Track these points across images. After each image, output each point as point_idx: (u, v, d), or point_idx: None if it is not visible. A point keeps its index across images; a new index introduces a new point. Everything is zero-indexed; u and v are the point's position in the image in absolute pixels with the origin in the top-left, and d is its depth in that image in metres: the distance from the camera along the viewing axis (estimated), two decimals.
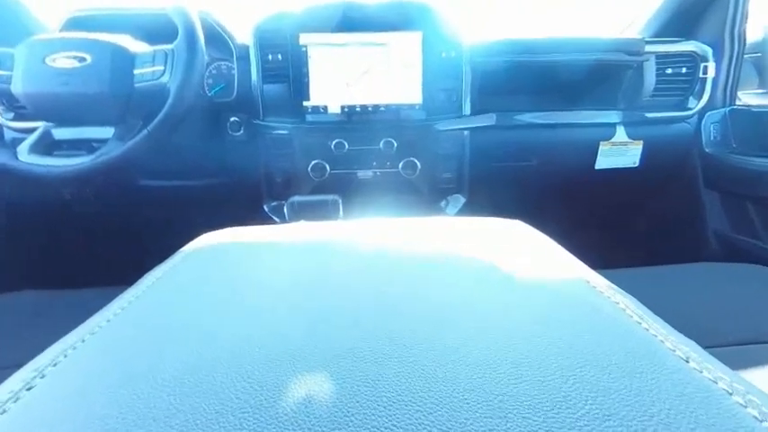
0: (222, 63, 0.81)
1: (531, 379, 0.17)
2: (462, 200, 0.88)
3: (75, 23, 0.80)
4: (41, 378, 0.18)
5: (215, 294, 0.25)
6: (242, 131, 0.82)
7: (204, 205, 0.91)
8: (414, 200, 0.87)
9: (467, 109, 0.84)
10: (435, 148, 0.84)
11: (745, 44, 0.89)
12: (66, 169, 0.60)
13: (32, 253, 0.93)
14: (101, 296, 0.28)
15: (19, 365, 0.19)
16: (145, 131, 0.60)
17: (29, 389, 0.17)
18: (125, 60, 0.61)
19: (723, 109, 0.91)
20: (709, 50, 0.88)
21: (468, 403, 0.15)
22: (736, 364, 0.49)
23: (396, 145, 0.81)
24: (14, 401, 0.17)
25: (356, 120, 0.81)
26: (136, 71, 0.61)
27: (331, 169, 0.82)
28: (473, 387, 0.16)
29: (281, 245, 0.34)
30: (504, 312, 0.22)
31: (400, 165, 0.83)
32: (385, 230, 0.36)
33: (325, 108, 0.80)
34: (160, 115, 0.60)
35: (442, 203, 0.88)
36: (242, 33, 0.82)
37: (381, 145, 0.81)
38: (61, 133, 0.68)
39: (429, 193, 0.87)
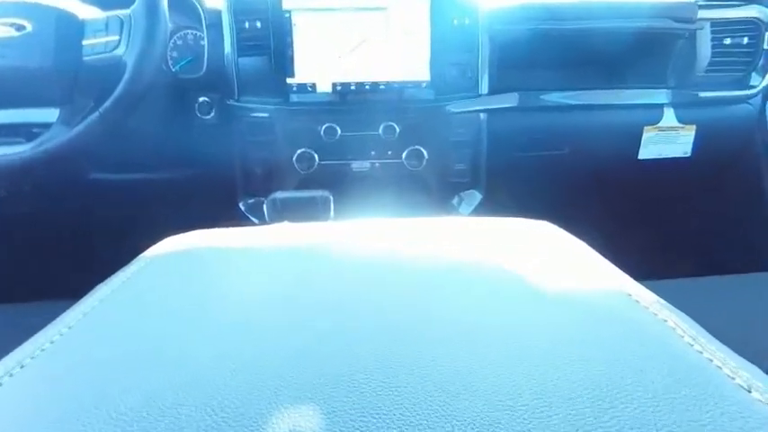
0: (189, 32, 0.81)
1: (561, 413, 0.17)
2: (478, 196, 0.88)
3: None
4: None
5: (180, 310, 0.25)
6: (213, 114, 0.82)
7: (168, 203, 0.91)
8: (420, 197, 0.87)
9: (484, 87, 0.84)
10: (446, 133, 0.84)
11: None
12: (0, 160, 0.60)
13: None
14: (44, 312, 0.28)
15: None
16: (96, 114, 0.60)
17: None
18: (72, 28, 0.61)
19: None
20: None
21: None
22: None
23: (398, 130, 0.81)
24: None
25: (350, 100, 0.81)
26: (85, 42, 0.61)
27: (320, 160, 0.82)
28: (490, 422, 0.16)
29: (261, 250, 0.34)
30: (528, 333, 0.22)
31: (404, 154, 0.83)
32: (385, 233, 0.36)
33: (314, 86, 0.80)
34: (115, 94, 0.60)
35: (454, 201, 0.88)
36: None
37: (381, 130, 0.81)
38: None
39: (438, 189, 0.87)
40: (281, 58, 0.79)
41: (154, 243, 0.37)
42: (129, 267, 0.32)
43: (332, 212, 0.74)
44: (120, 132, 0.63)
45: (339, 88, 0.80)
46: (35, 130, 0.69)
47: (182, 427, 0.16)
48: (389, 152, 0.83)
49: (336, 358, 0.20)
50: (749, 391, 0.18)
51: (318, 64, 0.79)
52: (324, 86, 0.80)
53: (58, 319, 0.26)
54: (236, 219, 0.85)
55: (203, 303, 0.26)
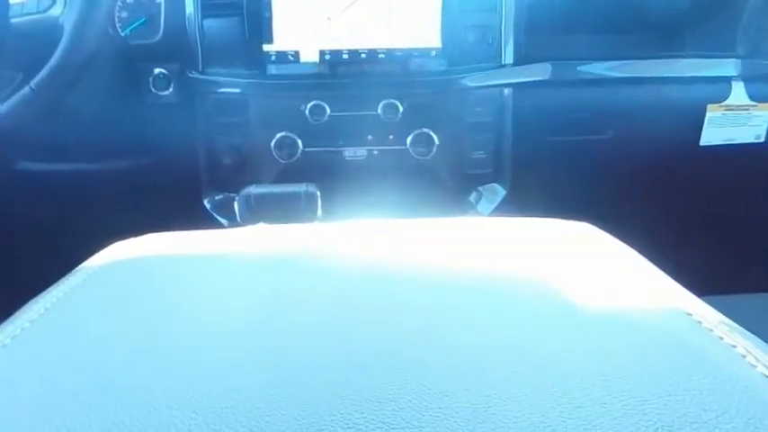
0: None
1: None
2: (502, 192, 0.88)
3: None
4: None
5: (128, 333, 0.25)
6: (171, 90, 0.82)
7: (115, 200, 0.91)
8: (429, 192, 0.87)
9: (508, 56, 0.84)
10: (462, 113, 0.84)
11: None
12: None
13: None
14: None
15: None
16: (27, 89, 0.60)
17: None
18: None
19: None
20: None
21: None
22: None
23: (402, 110, 0.81)
24: None
25: (343, 72, 0.81)
26: (13, 1, 0.61)
27: (305, 146, 0.82)
28: None
29: (229, 259, 0.34)
30: (566, 360, 0.22)
31: (409, 139, 0.83)
32: (385, 238, 0.36)
33: (297, 54, 0.80)
34: (49, 65, 0.60)
35: (472, 197, 0.88)
36: None
37: (380, 110, 0.81)
38: None
39: (452, 182, 0.88)
40: (257, 20, 0.79)
41: (97, 250, 0.37)
42: (65, 280, 0.32)
43: (319, 211, 0.74)
44: (56, 112, 0.63)
45: (328, 57, 0.80)
46: None
47: None
48: (391, 137, 0.84)
49: (322, 395, 0.20)
50: None
51: (302, 27, 0.79)
52: (309, 55, 0.80)
53: None
54: (200, 219, 0.85)
55: (156, 325, 0.26)
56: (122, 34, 0.80)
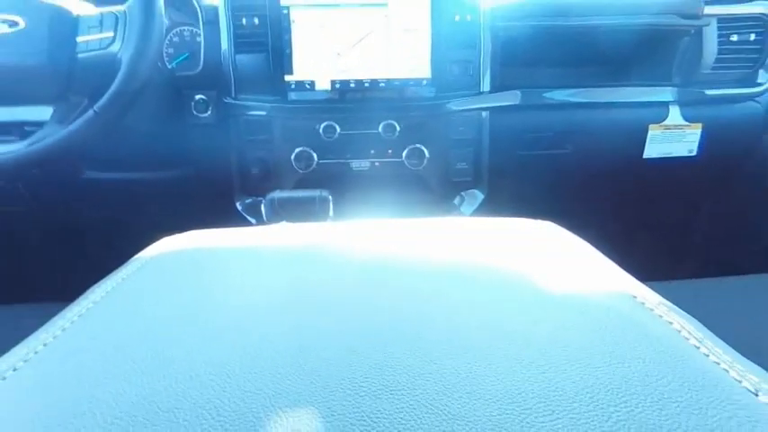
0: (185, 28, 0.81)
1: (564, 417, 0.17)
2: (480, 196, 0.88)
3: None
4: None
5: (175, 313, 0.25)
6: (209, 112, 0.82)
7: (164, 203, 0.91)
8: (421, 196, 0.87)
9: (486, 85, 0.84)
10: (447, 132, 0.84)
11: None
12: None
13: None
14: (35, 314, 0.28)
15: None
16: (91, 112, 0.60)
17: None
18: (66, 25, 0.61)
19: None
20: None
21: None
22: None
23: (398, 129, 0.81)
24: None
25: (350, 98, 0.81)
26: (79, 38, 0.61)
27: (319, 159, 0.82)
28: (493, 426, 0.16)
29: (258, 251, 0.34)
30: (531, 335, 0.22)
31: (404, 153, 0.83)
32: (385, 234, 0.36)
33: (312, 84, 0.80)
34: (109, 92, 0.60)
35: (456, 200, 0.88)
36: None
37: (381, 129, 0.81)
38: None
39: (439, 188, 0.87)
40: (279, 56, 0.79)
41: (148, 244, 0.37)
42: (123, 269, 0.32)
43: (331, 212, 0.74)
44: (115, 131, 0.63)
45: (338, 86, 0.80)
46: (28, 128, 0.69)
47: (177, 430, 0.16)
48: (389, 151, 0.83)
49: (335, 361, 0.20)
50: (756, 395, 0.18)
51: (317, 61, 0.79)
52: (322, 84, 0.80)
53: (51, 321, 0.26)
54: (234, 219, 0.85)
55: (199, 305, 0.26)
56: (169, 67, 0.81)
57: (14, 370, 0.21)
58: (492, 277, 0.28)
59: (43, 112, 0.65)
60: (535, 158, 0.92)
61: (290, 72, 0.79)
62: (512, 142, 0.88)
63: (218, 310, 0.25)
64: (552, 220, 0.38)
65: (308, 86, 0.80)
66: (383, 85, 0.80)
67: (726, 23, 0.88)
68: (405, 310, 0.24)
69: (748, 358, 0.21)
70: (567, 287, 0.27)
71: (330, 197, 0.74)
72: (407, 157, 0.83)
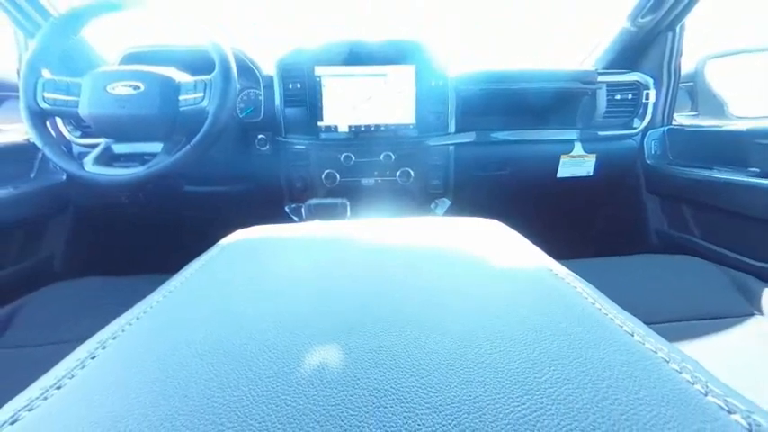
0: (251, 90, 0.81)
1: (503, 350, 0.17)
2: (448, 203, 0.88)
3: (130, 58, 0.80)
4: (103, 349, 0.18)
5: (246, 280, 0.25)
6: (267, 146, 0.82)
7: (237, 207, 0.91)
8: (408, 202, 0.87)
9: (452, 128, 0.83)
10: (426, 159, 0.84)
11: (679, 75, 0.89)
12: (123, 178, 0.60)
13: (95, 246, 0.93)
14: (152, 282, 0.28)
15: (83, 339, 0.19)
16: (188, 147, 0.60)
17: (93, 357, 0.17)
18: (171, 88, 0.61)
19: (662, 128, 0.91)
20: (651, 80, 0.88)
21: (452, 369, 0.15)
22: (671, 336, 0.49)
23: (393, 157, 0.81)
24: (81, 368, 0.17)
25: (361, 137, 0.80)
26: (180, 97, 0.61)
27: (341, 178, 0.82)
28: (455, 356, 0.16)
29: (301, 239, 0.34)
30: (481, 296, 0.22)
31: (397, 174, 0.83)
32: (385, 228, 0.36)
33: (336, 128, 0.80)
34: (200, 133, 0.60)
35: (432, 205, 0.88)
36: (266, 66, 0.82)
37: (382, 157, 0.81)
38: (119, 148, 0.68)
39: (421, 197, 0.87)
40: (314, 109, 0.79)
41: (227, 235, 0.37)
42: (210, 251, 0.32)
43: (348, 213, 0.74)
44: (204, 159, 0.63)
45: (354, 129, 0.80)
46: (146, 157, 0.70)
47: (245, 358, 0.16)
48: (388, 172, 0.83)
49: (350, 313, 0.20)
50: (632, 335, 0.18)
51: (340, 112, 0.79)
52: (343, 128, 0.80)
53: (162, 286, 0.26)
54: (283, 218, 0.85)
55: (262, 276, 0.26)
56: (240, 116, 0.80)
57: (137, 318, 0.21)
58: (454, 258, 0.28)
59: (156, 147, 0.65)
60: (485, 177, 0.92)
61: (321, 119, 0.79)
62: (470, 166, 0.88)
63: (274, 279, 0.25)
64: (497, 219, 0.38)
65: (333, 129, 0.80)
66: (383, 128, 0.80)
67: (612, 87, 0.88)
68: (396, 280, 0.24)
69: (626, 310, 0.21)
70: (506, 265, 0.27)
71: (348, 203, 0.74)
72: (400, 176, 0.83)
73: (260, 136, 0.81)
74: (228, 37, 0.64)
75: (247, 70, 0.80)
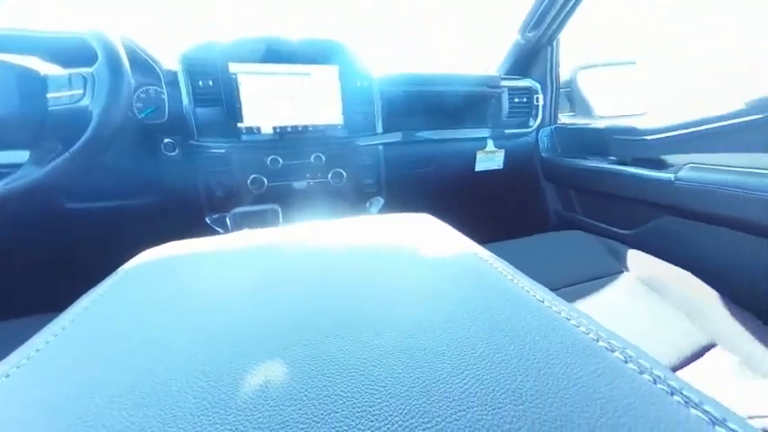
0: (150, 87, 0.70)
1: (443, 334, 0.18)
2: (382, 201, 0.90)
3: None
4: None
5: (161, 302, 0.22)
6: (177, 151, 0.72)
7: (141, 223, 0.78)
8: (342, 203, 0.86)
9: (379, 128, 0.85)
10: (357, 159, 0.84)
11: (559, 82, 1.07)
12: None
13: None
14: (36, 323, 0.22)
15: None
16: (66, 155, 0.49)
17: None
18: (34, 83, 0.49)
19: (550, 126, 1.08)
20: (539, 86, 1.04)
21: (398, 360, 0.16)
22: (569, 298, 0.60)
23: (324, 159, 0.79)
24: None
25: (288, 138, 0.77)
26: (50, 94, 0.50)
27: (269, 182, 0.77)
28: (399, 348, 0.17)
29: (225, 251, 0.31)
30: (417, 281, 0.23)
31: (329, 175, 0.81)
32: (320, 231, 0.35)
33: (259, 129, 0.74)
34: (84, 138, 0.49)
35: (366, 205, 0.89)
36: (166, 60, 0.72)
37: (312, 159, 0.79)
38: None
39: (355, 197, 0.87)
40: (232, 108, 0.72)
41: (132, 256, 0.31)
42: (110, 278, 0.27)
43: (280, 220, 0.70)
44: (92, 168, 0.52)
45: (279, 130, 0.75)
46: (3, 170, 0.54)
47: (197, 374, 0.14)
48: (319, 174, 0.81)
49: (289, 321, 0.19)
50: (542, 302, 0.21)
51: (261, 113, 0.74)
52: (267, 129, 0.75)
53: (45, 328, 0.21)
54: (204, 231, 0.76)
55: (183, 294, 0.23)
56: (139, 117, 0.69)
57: (17, 368, 0.16)
58: (390, 253, 0.29)
59: (19, 156, 0.51)
60: (413, 174, 0.96)
61: (241, 120, 0.73)
62: (398, 165, 0.92)
63: (198, 297, 0.22)
64: (427, 213, 0.40)
65: (255, 131, 0.74)
66: (311, 129, 0.77)
67: (512, 91, 1.01)
68: (336, 282, 0.24)
69: (536, 281, 0.24)
70: (438, 252, 0.29)
71: (279, 209, 0.70)
72: (332, 177, 0.81)
73: (167, 140, 0.71)
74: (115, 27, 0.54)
75: (142, 63, 0.69)
